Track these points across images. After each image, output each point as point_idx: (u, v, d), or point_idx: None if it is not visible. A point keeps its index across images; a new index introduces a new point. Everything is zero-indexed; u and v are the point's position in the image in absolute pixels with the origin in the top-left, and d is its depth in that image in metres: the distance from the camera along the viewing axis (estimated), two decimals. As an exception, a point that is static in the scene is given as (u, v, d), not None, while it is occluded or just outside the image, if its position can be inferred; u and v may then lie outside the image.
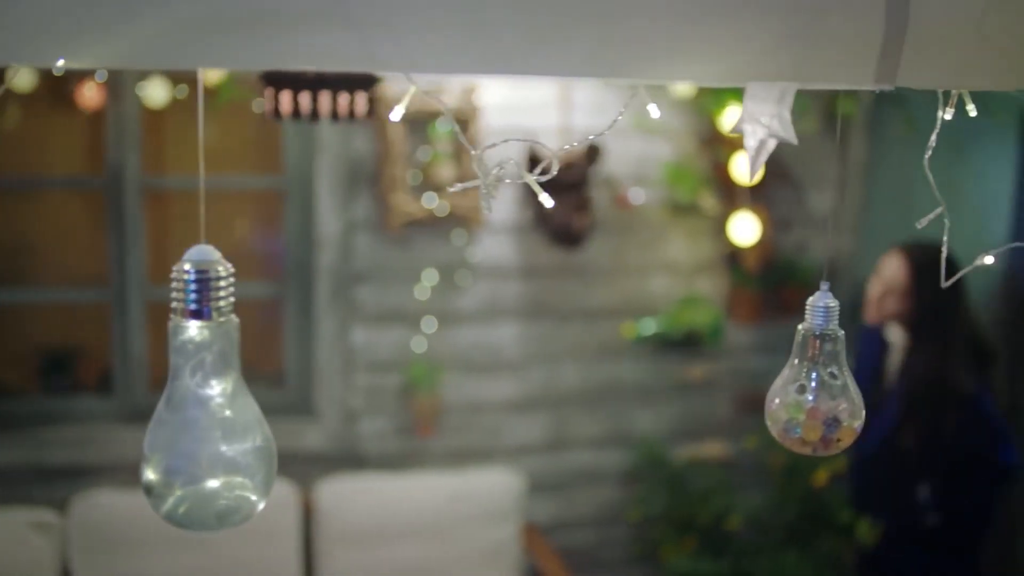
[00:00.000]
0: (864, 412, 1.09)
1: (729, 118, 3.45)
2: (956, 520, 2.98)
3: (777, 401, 1.09)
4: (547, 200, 0.97)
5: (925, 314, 2.96)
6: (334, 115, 2.06)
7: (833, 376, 1.09)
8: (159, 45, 0.77)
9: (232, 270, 0.90)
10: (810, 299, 1.09)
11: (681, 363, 3.74)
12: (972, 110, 1.07)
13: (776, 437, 1.09)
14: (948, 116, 1.08)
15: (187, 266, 0.88)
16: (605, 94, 3.50)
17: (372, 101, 2.08)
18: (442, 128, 3.34)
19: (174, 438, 0.86)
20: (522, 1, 0.81)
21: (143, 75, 3.21)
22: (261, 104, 2.67)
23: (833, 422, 1.06)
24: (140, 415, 3.40)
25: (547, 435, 3.68)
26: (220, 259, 0.90)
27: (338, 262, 3.40)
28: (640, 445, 3.71)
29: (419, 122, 3.35)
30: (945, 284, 1.10)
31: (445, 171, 3.36)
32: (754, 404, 3.80)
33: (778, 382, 1.10)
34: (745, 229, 3.56)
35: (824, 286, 1.08)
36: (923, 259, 2.98)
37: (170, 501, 0.87)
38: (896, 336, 3.06)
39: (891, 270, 3.00)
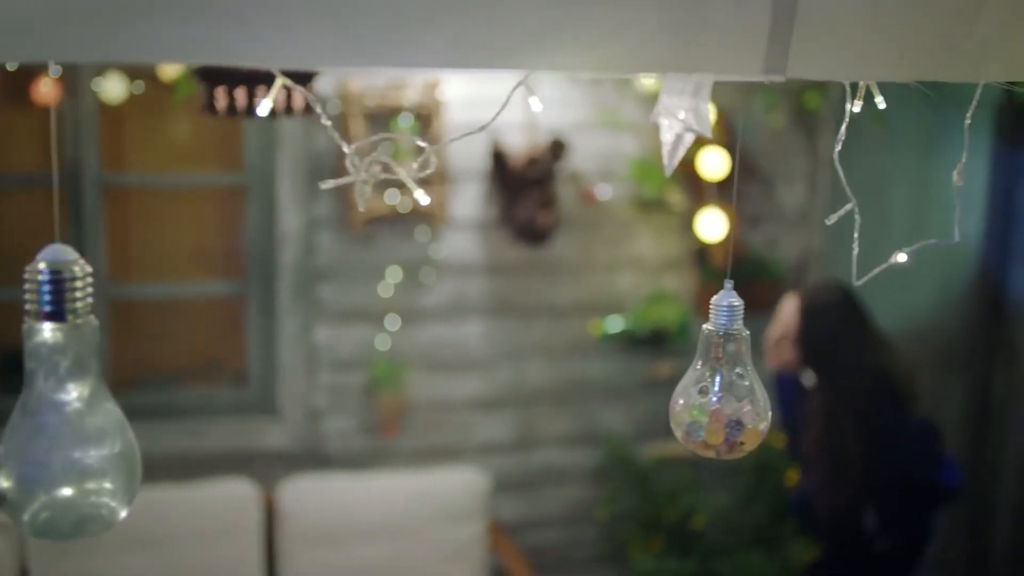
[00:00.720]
0: (771, 414, 1.06)
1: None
2: (900, 543, 2.93)
3: (681, 402, 1.06)
4: (423, 198, 0.93)
5: (821, 357, 2.88)
6: (272, 111, 2.02)
7: (740, 377, 1.06)
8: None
9: (89, 270, 0.86)
10: (713, 298, 1.05)
11: (649, 361, 3.70)
12: (881, 102, 1.03)
13: (680, 440, 1.06)
14: (856, 108, 1.05)
15: (41, 266, 0.84)
16: (571, 89, 3.47)
17: (309, 96, 2.03)
18: (404, 123, 3.30)
19: (26, 445, 0.82)
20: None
21: (100, 71, 3.17)
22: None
23: (736, 425, 1.03)
24: (100, 415, 3.36)
25: (514, 434, 3.65)
26: (77, 259, 0.86)
27: (301, 259, 3.36)
28: (608, 443, 3.67)
29: (381, 117, 3.32)
30: (858, 282, 1.07)
31: (408, 167, 3.31)
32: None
33: (682, 383, 1.07)
34: (713, 225, 3.53)
35: (728, 284, 1.05)
36: (812, 301, 2.90)
37: (29, 510, 0.83)
38: (809, 380, 2.96)
39: (785, 315, 2.92)
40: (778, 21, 0.86)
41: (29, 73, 3.22)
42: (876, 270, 1.07)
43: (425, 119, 3.34)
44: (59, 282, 0.83)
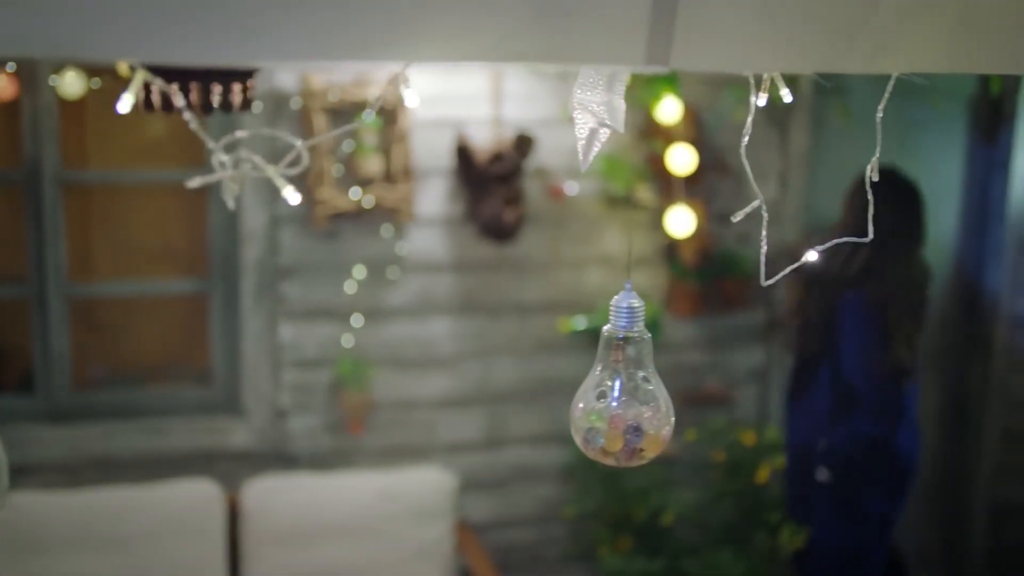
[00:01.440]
0: (674, 419, 1.02)
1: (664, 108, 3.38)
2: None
3: (581, 407, 1.02)
4: (293, 197, 0.89)
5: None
6: (208, 107, 1.98)
7: (645, 381, 1.02)
8: None
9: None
10: (613, 299, 1.02)
11: (619, 358, 3.66)
12: (786, 95, 1.00)
13: (580, 447, 1.02)
14: (761, 102, 1.01)
15: None
16: (537, 85, 3.43)
17: (247, 92, 2.00)
18: (368, 120, 3.26)
19: None
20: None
21: (58, 66, 3.12)
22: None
23: (635, 431, 0.99)
24: (62, 415, 3.32)
25: (482, 432, 3.61)
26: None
27: (264, 257, 3.32)
28: (578, 442, 3.63)
29: (344, 113, 3.28)
30: (765, 283, 1.03)
31: (371, 163, 3.28)
32: (696, 399, 3.73)
33: (582, 387, 1.03)
34: (682, 222, 3.49)
35: (627, 285, 1.01)
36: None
37: None
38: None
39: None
40: (659, 10, 0.82)
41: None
42: (787, 269, 1.04)
43: (389, 115, 3.30)
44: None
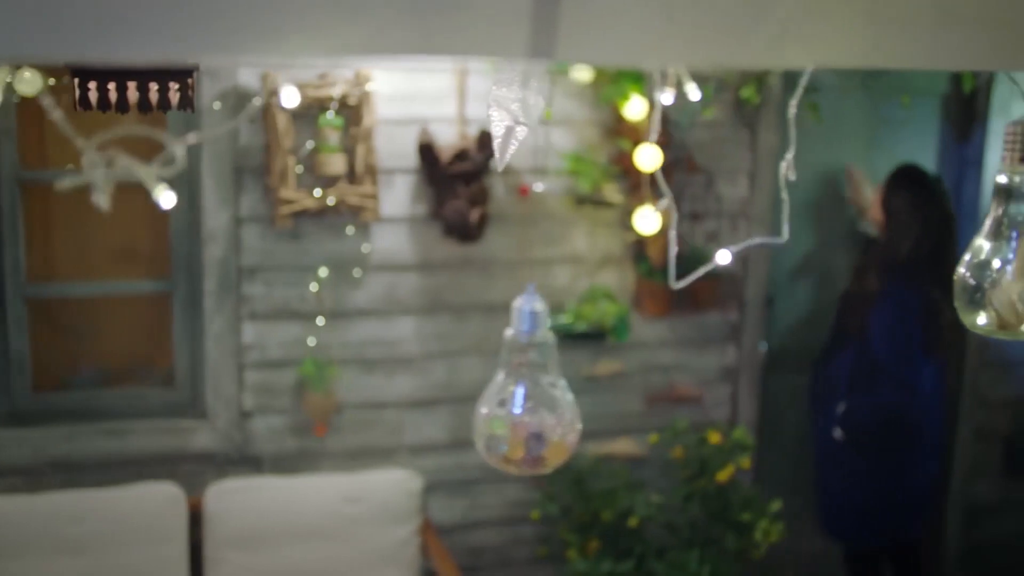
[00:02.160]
0: (580, 426, 0.99)
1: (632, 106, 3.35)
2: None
3: (484, 412, 0.99)
4: (167, 201, 0.86)
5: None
6: (145, 105, 1.94)
7: (551, 386, 0.99)
8: None
9: None
10: (515, 302, 0.98)
11: (588, 359, 3.63)
12: (693, 91, 0.96)
13: (481, 454, 0.99)
14: (669, 100, 0.98)
15: None
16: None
17: (185, 90, 1.96)
18: (331, 118, 3.22)
19: None
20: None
21: (15, 66, 3.08)
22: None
23: (537, 438, 0.96)
24: (23, 417, 3.28)
25: (448, 433, 3.58)
26: None
27: (226, 256, 3.28)
28: (546, 443, 3.60)
29: (308, 112, 3.24)
30: (676, 286, 1.00)
31: (335, 162, 3.24)
32: (665, 400, 3.70)
33: (485, 393, 1.00)
34: (650, 221, 3.45)
35: (530, 287, 0.98)
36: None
37: None
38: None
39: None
40: (541, 0, 0.78)
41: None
42: (698, 272, 1.00)
43: (354, 113, 3.26)
44: None
